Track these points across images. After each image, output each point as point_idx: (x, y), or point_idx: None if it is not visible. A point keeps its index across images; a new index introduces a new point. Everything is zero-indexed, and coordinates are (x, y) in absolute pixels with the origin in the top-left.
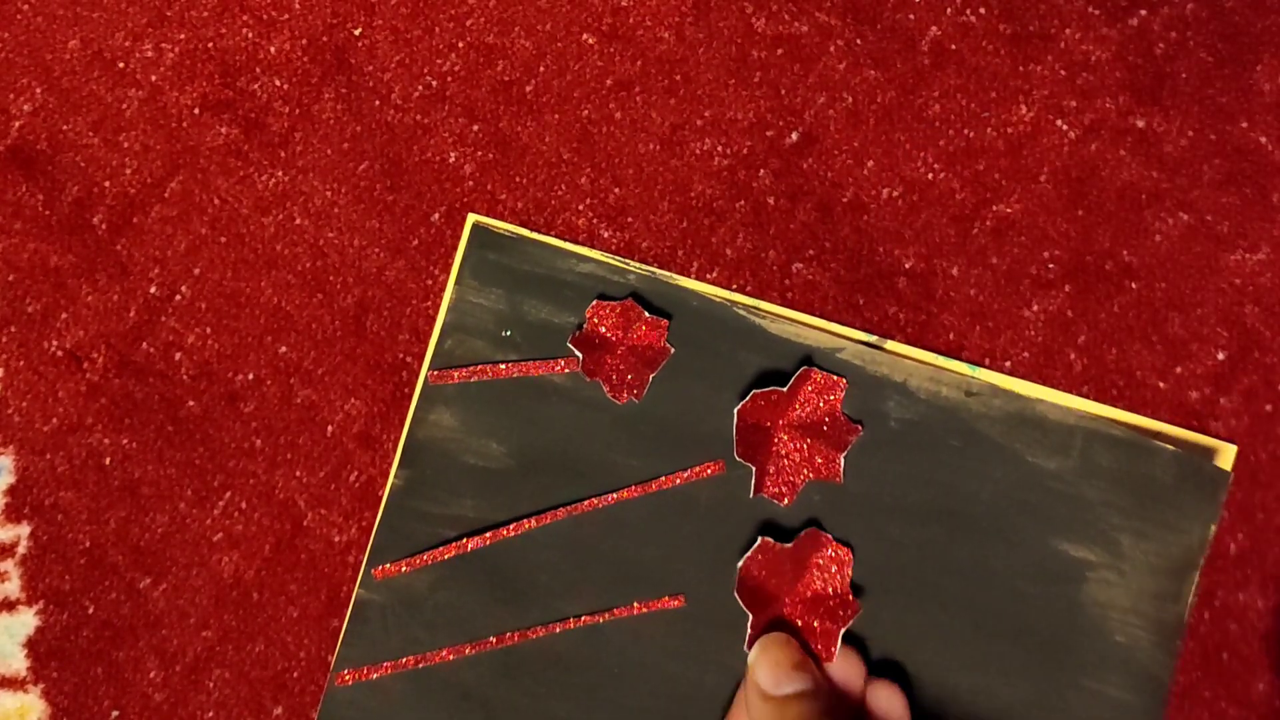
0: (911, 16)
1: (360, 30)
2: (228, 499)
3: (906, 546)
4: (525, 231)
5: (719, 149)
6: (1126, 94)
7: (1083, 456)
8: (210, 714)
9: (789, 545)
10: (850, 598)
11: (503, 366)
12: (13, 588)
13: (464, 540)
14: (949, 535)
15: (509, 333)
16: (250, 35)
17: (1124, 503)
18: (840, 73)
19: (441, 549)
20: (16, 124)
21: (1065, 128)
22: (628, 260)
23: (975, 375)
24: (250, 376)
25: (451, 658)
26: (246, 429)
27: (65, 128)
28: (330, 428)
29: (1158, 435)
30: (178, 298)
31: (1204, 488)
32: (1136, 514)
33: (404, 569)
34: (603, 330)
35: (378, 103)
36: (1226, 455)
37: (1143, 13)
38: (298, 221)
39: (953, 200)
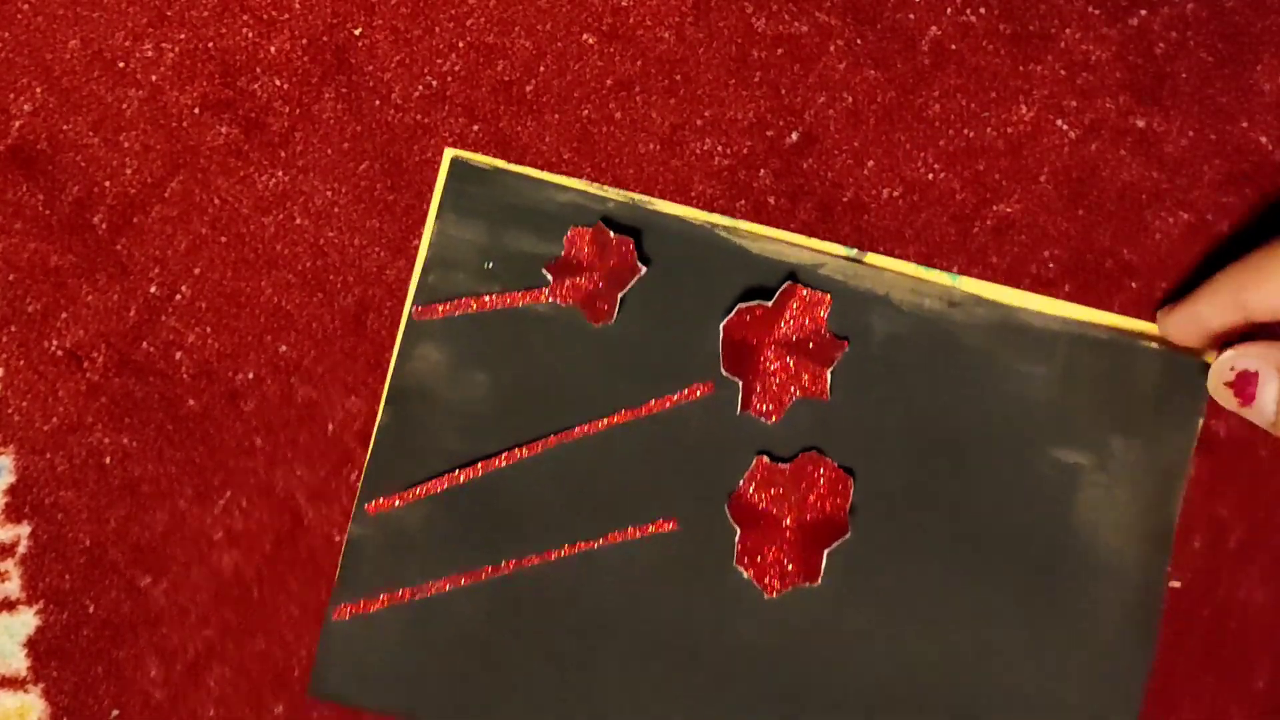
0: (911, 16)
1: (360, 30)
2: (228, 497)
3: (897, 462)
4: (504, 164)
5: (719, 149)
6: (1126, 94)
7: (1068, 361)
8: (211, 712)
9: (786, 465)
10: (844, 521)
11: (486, 298)
12: (13, 587)
13: (455, 472)
14: (939, 448)
15: (490, 265)
16: (250, 35)
17: (1111, 405)
18: (840, 73)
19: (433, 482)
20: (16, 124)
21: (1065, 128)
22: (605, 187)
23: (957, 285)
24: (250, 375)
25: (448, 589)
26: (247, 427)
27: (65, 128)
28: (330, 426)
29: (1141, 335)
30: (178, 297)
31: (1189, 383)
32: (1125, 416)
33: (396, 503)
34: (579, 256)
35: (378, 103)
36: (1210, 353)
37: (1143, 13)
38: (298, 221)
39: (953, 200)
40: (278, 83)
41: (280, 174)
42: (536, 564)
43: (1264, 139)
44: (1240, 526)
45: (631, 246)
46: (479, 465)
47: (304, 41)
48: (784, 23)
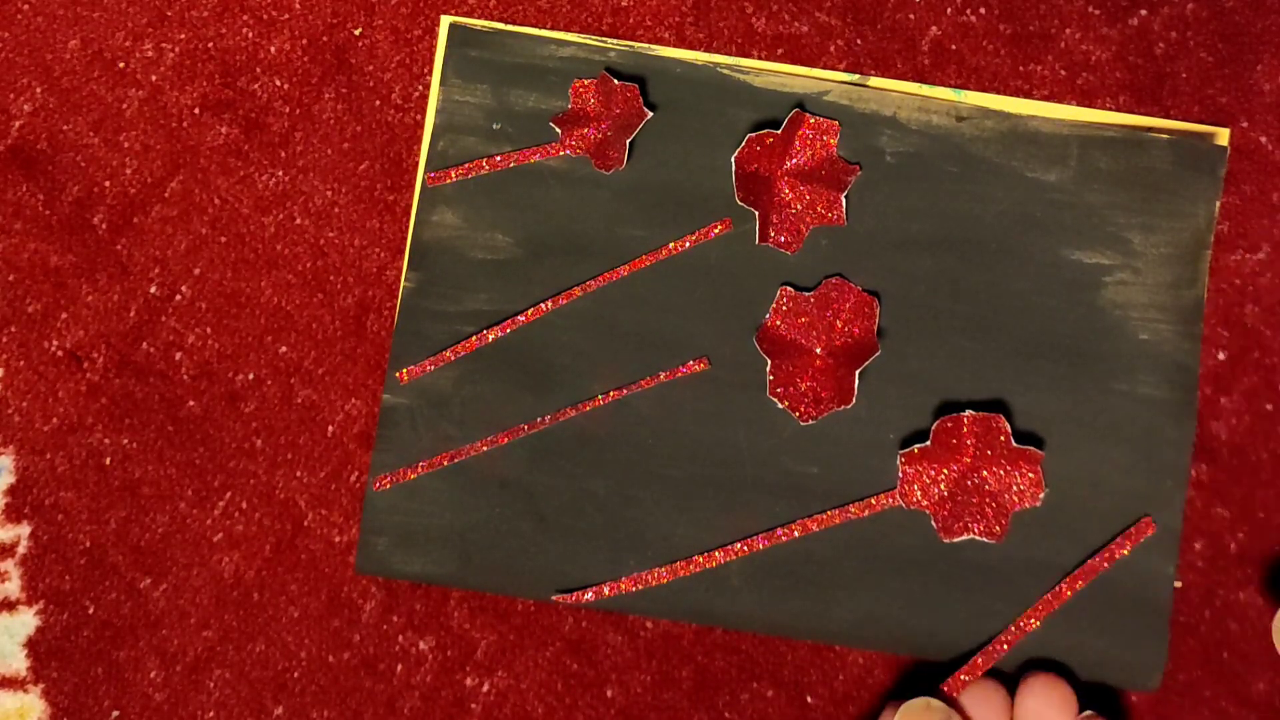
0: (911, 16)
1: (360, 30)
2: (228, 499)
3: (919, 279)
4: (503, 25)
5: None
6: (1126, 94)
7: (1080, 163)
8: (210, 714)
9: (811, 293)
10: (873, 341)
11: (498, 158)
12: (13, 588)
13: (484, 332)
14: (960, 262)
15: (499, 125)
16: (250, 35)
17: (1128, 201)
18: (840, 73)
19: (463, 344)
20: (16, 124)
21: None
22: (606, 39)
23: (962, 99)
24: (250, 376)
25: (485, 450)
26: (247, 429)
27: (65, 128)
28: (331, 428)
29: (1150, 129)
30: (178, 298)
31: (1202, 166)
32: (1142, 209)
33: (428, 368)
34: (585, 107)
35: (378, 103)
36: (1222, 135)
37: (1143, 13)
38: (298, 221)
39: None
40: (278, 83)
41: (280, 174)
42: (572, 416)
43: (1264, 139)
44: (1241, 530)
45: (636, 92)
46: (506, 323)
47: (304, 41)
48: (784, 23)
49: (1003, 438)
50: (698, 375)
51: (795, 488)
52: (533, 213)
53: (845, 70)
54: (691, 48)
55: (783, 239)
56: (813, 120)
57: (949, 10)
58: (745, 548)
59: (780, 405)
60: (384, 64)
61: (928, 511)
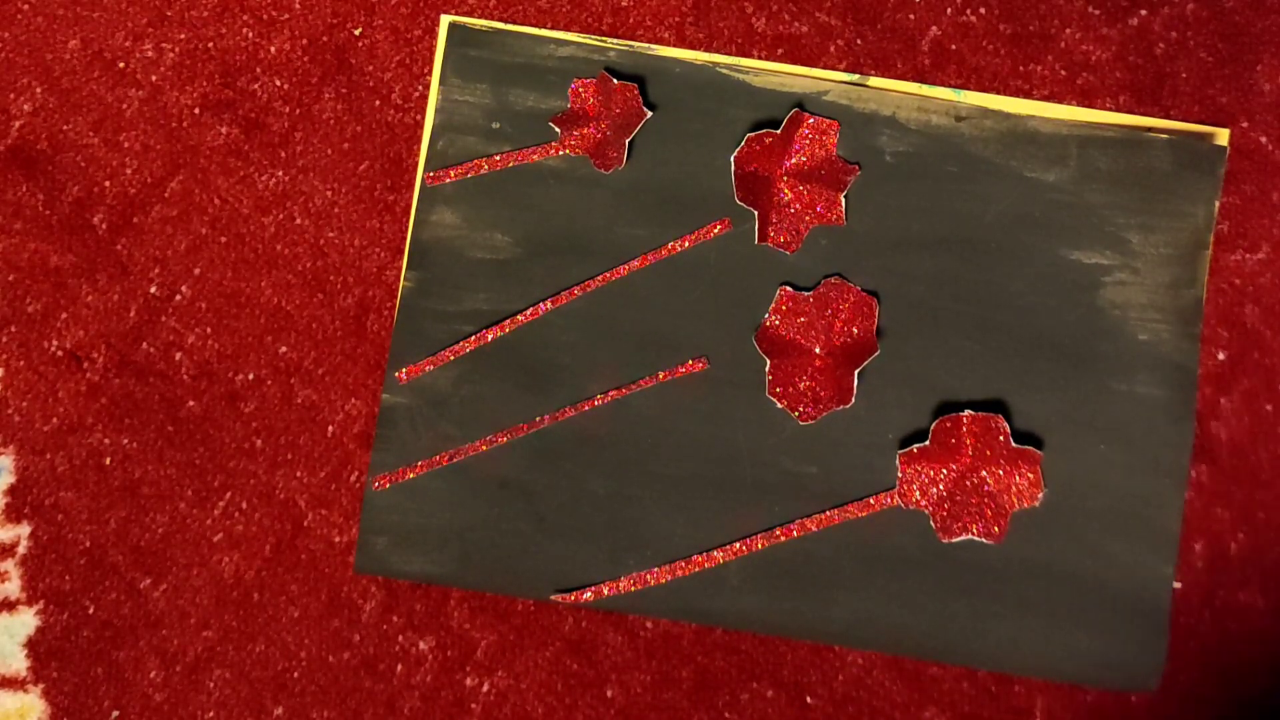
0: (911, 16)
1: (360, 30)
2: (228, 499)
3: (919, 279)
4: (502, 25)
5: None
6: (1126, 94)
7: (1080, 163)
8: (210, 714)
9: (810, 293)
10: (873, 341)
11: (497, 158)
12: (13, 588)
13: (483, 332)
14: (959, 262)
15: (498, 125)
16: (250, 35)
17: (1127, 200)
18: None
19: (462, 344)
20: (16, 124)
21: None
22: (606, 39)
23: (961, 99)
24: (250, 376)
25: (485, 449)
26: (247, 429)
27: (65, 128)
28: (331, 428)
29: (1150, 129)
30: (178, 298)
31: (1202, 165)
32: (1141, 209)
33: (428, 368)
34: (584, 107)
35: (378, 103)
36: (1222, 135)
37: (1143, 13)
38: (298, 221)
39: None
40: (278, 83)
41: (280, 174)
42: (571, 415)
43: (1264, 139)
44: (1241, 532)
45: (635, 92)
46: (505, 323)
47: (304, 41)
48: (784, 23)
49: (1002, 438)
50: (696, 375)
51: (794, 488)
52: (532, 213)
53: (845, 70)
54: (691, 48)
55: (782, 239)
56: (812, 120)
57: (949, 10)
58: (744, 548)
59: (779, 405)
60: (384, 64)
61: (926, 511)
